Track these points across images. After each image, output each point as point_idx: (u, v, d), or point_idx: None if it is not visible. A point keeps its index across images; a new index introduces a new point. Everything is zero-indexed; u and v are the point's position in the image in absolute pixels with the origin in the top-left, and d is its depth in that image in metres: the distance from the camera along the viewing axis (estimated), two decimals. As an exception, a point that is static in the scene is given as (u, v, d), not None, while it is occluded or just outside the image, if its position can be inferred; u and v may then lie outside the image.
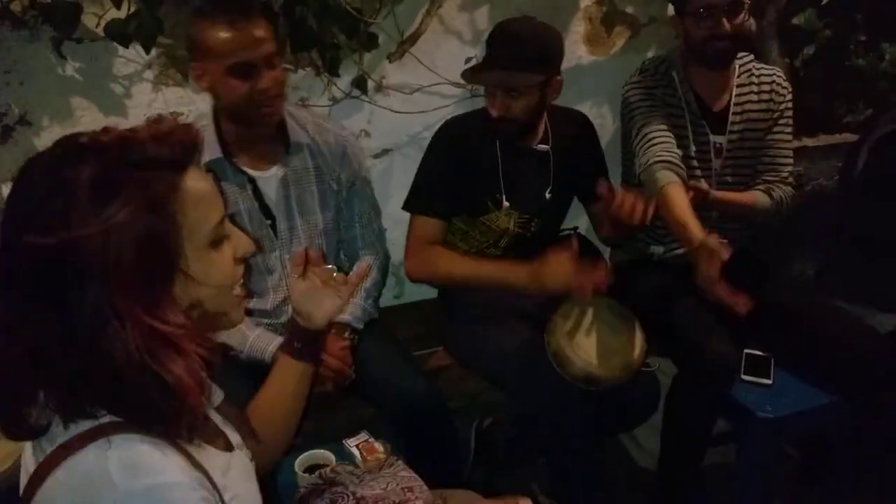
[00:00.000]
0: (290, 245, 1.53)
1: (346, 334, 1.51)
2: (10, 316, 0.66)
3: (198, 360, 0.70)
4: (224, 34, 1.31)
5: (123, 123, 1.58)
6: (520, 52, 1.47)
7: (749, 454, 1.63)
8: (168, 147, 0.69)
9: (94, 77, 1.69)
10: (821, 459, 1.76)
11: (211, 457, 0.76)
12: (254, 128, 1.42)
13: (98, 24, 1.60)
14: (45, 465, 0.66)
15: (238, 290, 0.79)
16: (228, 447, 0.83)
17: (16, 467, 1.18)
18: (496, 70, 1.49)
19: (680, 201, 1.47)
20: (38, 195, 0.65)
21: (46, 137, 1.70)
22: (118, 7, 1.54)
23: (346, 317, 1.52)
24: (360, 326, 1.55)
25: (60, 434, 0.67)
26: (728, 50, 1.59)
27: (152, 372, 0.65)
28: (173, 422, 0.69)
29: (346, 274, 1.06)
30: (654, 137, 1.58)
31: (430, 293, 1.91)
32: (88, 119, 1.71)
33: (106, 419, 0.67)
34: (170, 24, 1.63)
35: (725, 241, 1.39)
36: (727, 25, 1.53)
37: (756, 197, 1.69)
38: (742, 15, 1.54)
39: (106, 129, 0.69)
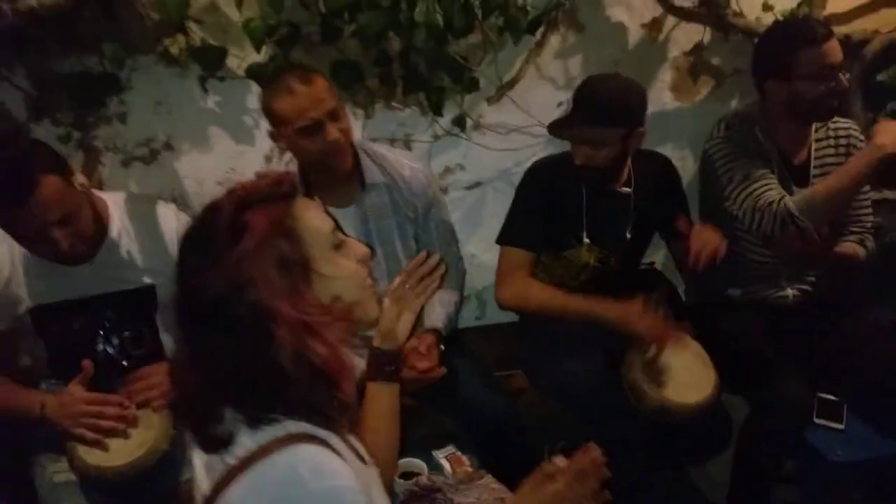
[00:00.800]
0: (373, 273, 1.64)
1: (435, 340, 1.57)
2: (191, 349, 0.82)
3: (341, 349, 0.83)
4: (289, 102, 1.45)
5: (251, 151, 1.77)
6: (602, 110, 1.56)
7: (817, 497, 1.67)
8: (276, 185, 0.88)
9: (230, 109, 1.89)
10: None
11: (362, 470, 0.88)
12: (330, 173, 1.55)
13: (239, 66, 1.81)
14: (232, 471, 0.78)
15: (369, 282, 0.94)
16: (363, 461, 0.93)
17: (148, 454, 1.32)
18: (579, 125, 1.59)
19: None
20: (192, 249, 0.84)
21: (186, 161, 1.93)
22: (258, 51, 1.75)
23: (437, 324, 1.60)
24: (446, 334, 1.63)
25: (245, 444, 0.79)
26: (838, 105, 1.66)
27: (304, 359, 0.79)
28: (332, 410, 0.82)
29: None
30: (765, 183, 1.64)
31: (511, 316, 1.97)
32: (222, 146, 1.92)
33: (285, 429, 0.79)
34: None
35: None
36: (846, 82, 1.60)
37: (856, 249, 1.76)
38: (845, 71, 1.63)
39: (232, 189, 0.87)
